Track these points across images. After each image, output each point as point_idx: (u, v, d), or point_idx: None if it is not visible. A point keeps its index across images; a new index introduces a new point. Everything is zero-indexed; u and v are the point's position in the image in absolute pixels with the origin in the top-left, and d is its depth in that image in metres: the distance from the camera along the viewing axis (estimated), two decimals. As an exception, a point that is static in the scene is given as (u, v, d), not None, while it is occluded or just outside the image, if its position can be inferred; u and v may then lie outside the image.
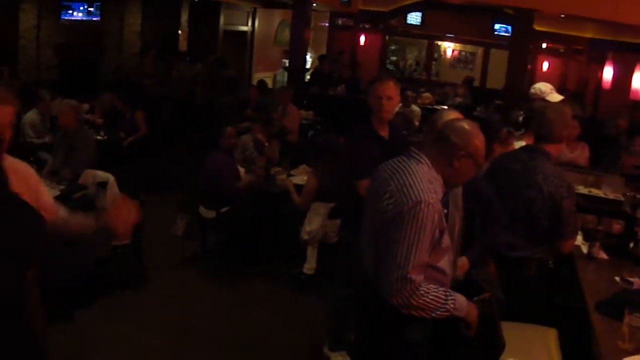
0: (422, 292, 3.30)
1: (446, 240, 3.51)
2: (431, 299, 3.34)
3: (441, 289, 3.42)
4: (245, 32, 20.52)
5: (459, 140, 3.49)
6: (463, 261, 4.47)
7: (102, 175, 7.52)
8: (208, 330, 6.29)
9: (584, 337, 4.27)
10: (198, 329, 6.31)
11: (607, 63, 12.49)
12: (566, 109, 5.07)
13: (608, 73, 12.47)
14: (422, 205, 3.30)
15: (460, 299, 3.46)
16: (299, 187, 7.43)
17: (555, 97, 6.92)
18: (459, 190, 4.08)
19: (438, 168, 3.51)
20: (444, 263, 3.57)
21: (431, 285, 3.37)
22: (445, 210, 3.67)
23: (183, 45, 18.18)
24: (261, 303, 7.03)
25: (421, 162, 3.51)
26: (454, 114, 4.32)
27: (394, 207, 3.38)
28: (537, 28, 17.17)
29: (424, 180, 3.42)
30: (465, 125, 3.60)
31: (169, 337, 6.10)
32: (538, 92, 7.00)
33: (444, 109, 4.93)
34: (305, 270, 7.32)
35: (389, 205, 3.43)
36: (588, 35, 18.70)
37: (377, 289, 3.43)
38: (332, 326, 5.87)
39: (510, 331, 4.29)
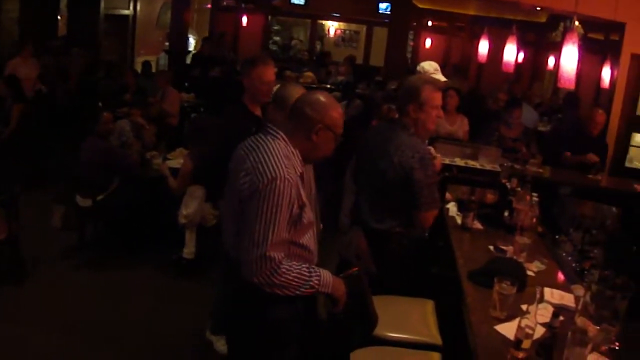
0: (283, 269, 3.22)
1: (308, 215, 3.43)
2: (294, 276, 3.26)
3: (304, 265, 3.34)
4: (127, 16, 20.09)
5: (315, 113, 3.40)
6: None
7: (-26, 168, 7.24)
8: (92, 323, 6.08)
9: (459, 307, 4.27)
10: (82, 320, 6.10)
11: (482, 37, 12.67)
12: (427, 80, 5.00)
13: (483, 47, 12.66)
14: (278, 181, 3.20)
15: (326, 274, 3.40)
16: (176, 171, 7.30)
17: (440, 78, 6.88)
18: None
19: (296, 143, 3.42)
20: (307, 239, 3.49)
21: (293, 263, 3.30)
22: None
23: (63, 30, 17.68)
24: (142, 290, 6.85)
25: (277, 138, 3.41)
26: (299, 88, 4.27)
27: (250, 185, 3.27)
28: (420, 5, 17.37)
29: (280, 156, 3.31)
30: (321, 97, 3.51)
31: (52, 332, 5.87)
32: (421, 71, 6.97)
33: (289, 83, 4.85)
34: (185, 255, 7.21)
35: (245, 183, 3.31)
36: (470, 12, 19.06)
37: (239, 269, 3.32)
38: (215, 310, 5.77)
39: (388, 304, 4.29)
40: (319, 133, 3.41)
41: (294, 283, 3.27)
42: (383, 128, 4.98)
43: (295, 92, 4.24)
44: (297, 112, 3.45)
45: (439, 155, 5.80)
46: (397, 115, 5.02)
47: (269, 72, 5.28)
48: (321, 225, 4.95)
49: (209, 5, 22.51)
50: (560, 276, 4.71)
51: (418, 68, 7.03)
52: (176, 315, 6.35)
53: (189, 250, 7.19)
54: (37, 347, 5.66)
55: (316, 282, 3.33)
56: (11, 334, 5.81)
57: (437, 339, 4.14)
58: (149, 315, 6.34)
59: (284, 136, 3.41)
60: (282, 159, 3.30)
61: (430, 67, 6.89)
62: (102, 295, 6.65)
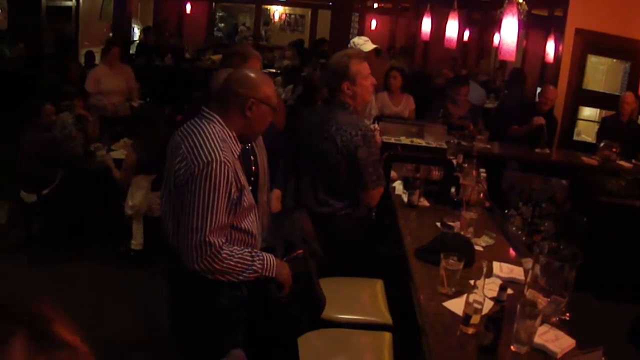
0: (224, 255, 3.17)
1: (248, 198, 3.37)
2: (236, 261, 3.21)
3: (246, 250, 3.30)
4: (69, 8, 19.76)
5: (245, 89, 3.36)
6: (276, 193, 4.40)
7: None
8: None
9: (408, 285, 4.23)
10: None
11: (425, 16, 12.71)
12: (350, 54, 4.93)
13: (426, 26, 12.71)
14: (214, 164, 3.13)
15: (269, 258, 3.36)
16: (120, 162, 7.20)
17: (369, 47, 6.94)
18: None
19: (231, 123, 3.36)
20: (249, 223, 3.43)
21: (235, 248, 3.25)
22: (253, 158, 3.52)
23: (3, 24, 17.37)
24: (92, 283, 6.76)
25: (213, 121, 3.35)
26: (227, 70, 4.20)
27: (186, 171, 3.20)
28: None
29: (216, 139, 3.25)
30: (250, 73, 3.48)
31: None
32: (353, 46, 6.99)
33: (224, 69, 4.75)
34: (132, 247, 7.15)
35: (180, 169, 3.24)
36: (414, -8, 19.09)
37: (179, 257, 3.23)
38: None
39: (337, 286, 4.28)
40: (252, 108, 3.36)
41: (236, 268, 3.22)
42: (320, 109, 4.91)
43: (224, 73, 4.18)
44: (228, 91, 3.40)
45: (378, 128, 5.78)
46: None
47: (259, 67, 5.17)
48: (280, 207, 4.95)
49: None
50: (510, 250, 4.69)
51: (349, 44, 7.11)
52: (126, 306, 6.27)
53: (136, 241, 7.13)
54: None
55: (259, 266, 3.28)
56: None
57: (387, 319, 4.13)
58: (99, 307, 6.22)
59: (219, 119, 3.35)
60: (218, 142, 3.23)
61: (359, 40, 7.14)
62: (51, 290, 6.46)
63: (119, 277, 6.93)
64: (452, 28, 11.02)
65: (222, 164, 3.15)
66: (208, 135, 3.26)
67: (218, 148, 3.20)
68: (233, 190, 3.22)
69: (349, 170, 4.62)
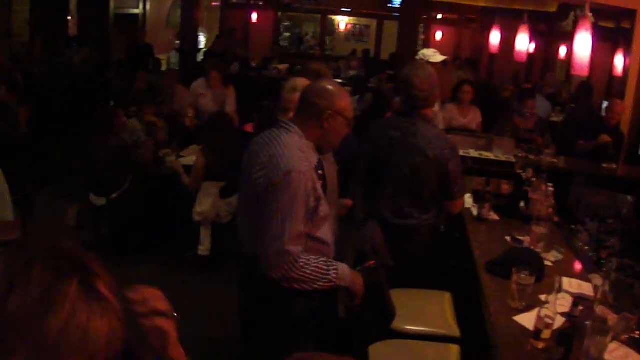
0: (301, 263, 3.22)
1: (324, 208, 3.42)
2: (312, 270, 3.26)
3: (322, 259, 3.34)
4: (136, 15, 20.10)
5: (323, 101, 3.43)
6: (345, 203, 4.49)
7: (-13, 169, 7.22)
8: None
9: (477, 298, 4.26)
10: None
11: (493, 28, 12.69)
12: (430, 72, 4.97)
13: (495, 38, 12.69)
14: (293, 174, 3.20)
15: (343, 268, 3.40)
16: (189, 169, 7.30)
17: (437, 58, 6.96)
18: None
19: (309, 134, 3.43)
20: (324, 232, 3.49)
21: (311, 256, 3.29)
22: (321, 172, 3.60)
23: (73, 30, 17.73)
24: (157, 287, 6.78)
25: (291, 132, 3.42)
26: (305, 80, 4.28)
27: (265, 179, 3.28)
28: (430, -1, 17.32)
29: (294, 149, 3.32)
30: (327, 85, 3.55)
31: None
32: (422, 57, 7.02)
33: (294, 78, 4.81)
34: (200, 252, 7.22)
35: (259, 177, 3.32)
36: (480, 4, 18.96)
37: (256, 264, 3.31)
38: None
39: (405, 297, 4.28)
40: (329, 120, 3.42)
41: (312, 277, 3.26)
42: (397, 122, 4.89)
43: (298, 82, 4.26)
44: (306, 103, 3.48)
45: None
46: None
47: None
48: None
49: (218, 3, 22.51)
50: (578, 266, 4.69)
51: (419, 55, 7.14)
52: (191, 311, 6.35)
53: (204, 247, 7.20)
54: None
55: (334, 275, 3.32)
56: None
57: (455, 331, 4.13)
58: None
59: (297, 129, 3.41)
60: (297, 151, 3.30)
61: (428, 51, 7.18)
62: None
63: (184, 282, 6.99)
64: (522, 41, 10.97)
65: (301, 174, 3.22)
66: (287, 144, 3.33)
67: (297, 158, 3.27)
68: (310, 200, 3.28)
69: (437, 182, 4.67)
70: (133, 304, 1.66)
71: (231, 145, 6.87)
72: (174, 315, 1.81)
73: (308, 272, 3.24)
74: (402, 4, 16.18)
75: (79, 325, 1.31)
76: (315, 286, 3.30)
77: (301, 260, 3.22)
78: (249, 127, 9.22)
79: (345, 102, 3.51)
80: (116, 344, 1.40)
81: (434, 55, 7.00)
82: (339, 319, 3.64)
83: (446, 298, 4.53)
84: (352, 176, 4.89)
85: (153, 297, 1.79)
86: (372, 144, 5.03)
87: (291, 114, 3.97)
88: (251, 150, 3.54)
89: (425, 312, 4.35)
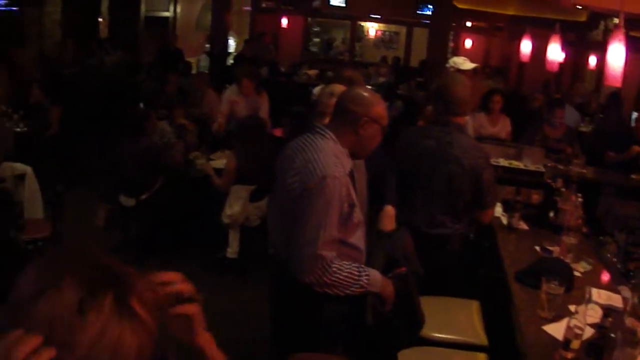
0: (334, 268, 3.25)
1: (357, 215, 3.45)
2: (344, 275, 3.28)
3: (354, 264, 3.36)
4: (167, 18, 20.23)
5: (359, 107, 3.46)
6: (389, 210, 4.48)
7: (19, 167, 7.31)
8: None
9: (506, 307, 4.27)
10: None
11: (524, 37, 12.69)
12: (466, 81, 5.00)
13: (526, 47, 12.68)
14: (328, 179, 3.24)
15: (375, 274, 3.42)
16: (218, 172, 7.35)
17: (468, 65, 6.99)
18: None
19: (344, 140, 3.46)
20: (357, 239, 3.52)
21: (344, 262, 3.31)
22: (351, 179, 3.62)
23: (104, 32, 17.89)
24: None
25: (326, 137, 3.45)
26: (341, 86, 4.31)
27: (300, 184, 3.32)
28: (460, 6, 17.28)
29: (329, 154, 3.36)
30: (363, 92, 3.59)
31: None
32: (453, 65, 7.05)
33: (328, 85, 4.85)
34: (228, 255, 7.26)
35: (294, 182, 3.36)
36: (510, 12, 18.90)
37: (287, 268, 3.35)
38: None
39: (434, 305, 4.29)
40: (365, 126, 3.45)
41: (344, 282, 3.29)
42: (431, 131, 4.89)
43: (335, 88, 4.30)
44: (342, 109, 3.52)
45: None
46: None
47: None
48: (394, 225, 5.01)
49: (249, 7, 22.62)
50: (606, 277, 4.69)
51: (449, 63, 7.16)
52: (219, 313, 6.37)
53: (232, 249, 7.24)
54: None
55: (366, 281, 3.35)
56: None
57: (483, 340, 4.14)
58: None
59: (332, 135, 3.44)
60: (332, 157, 3.33)
61: (459, 59, 7.31)
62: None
63: (212, 284, 7.00)
64: (553, 51, 10.94)
65: (336, 179, 3.25)
66: (322, 150, 3.37)
67: (332, 163, 3.30)
68: (345, 206, 3.31)
69: (471, 192, 4.70)
70: (156, 290, 1.61)
71: (263, 149, 6.91)
72: (199, 298, 1.80)
73: (340, 277, 3.27)
74: (433, 11, 16.16)
75: (109, 342, 1.30)
76: (347, 291, 3.32)
77: (334, 265, 3.25)
78: (278, 132, 9.27)
79: (381, 109, 3.54)
80: (144, 358, 1.40)
81: (464, 63, 7.03)
82: (368, 325, 3.65)
83: (474, 306, 4.54)
84: (380, 184, 4.91)
85: (176, 280, 1.76)
86: (404, 151, 5.04)
87: (328, 119, 4.02)
88: (286, 155, 3.57)
89: (454, 320, 4.37)
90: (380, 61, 19.12)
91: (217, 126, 8.58)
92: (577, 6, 13.32)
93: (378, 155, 4.28)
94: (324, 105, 4.40)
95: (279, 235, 3.53)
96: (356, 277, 3.32)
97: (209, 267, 7.35)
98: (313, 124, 3.61)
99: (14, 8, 14.72)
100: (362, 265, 3.44)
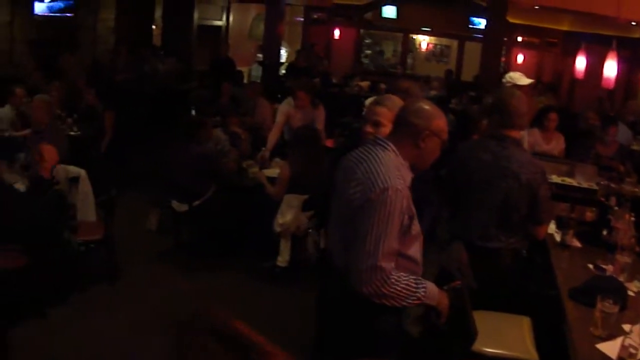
0: (392, 280, 3.26)
1: (416, 226, 3.47)
2: (402, 287, 3.29)
3: (411, 277, 3.37)
4: (219, 27, 20.42)
5: (420, 121, 3.47)
6: None
7: (73, 170, 7.45)
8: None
9: (557, 324, 4.27)
10: (173, 321, 6.19)
11: (579, 53, 12.60)
12: (523, 96, 5.00)
13: (581, 64, 12.61)
14: (390, 191, 3.25)
15: (431, 287, 3.44)
16: (271, 181, 7.45)
17: (525, 81, 6.98)
18: None
19: (404, 152, 3.48)
20: (415, 251, 3.53)
21: (402, 274, 3.33)
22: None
23: (157, 40, 18.12)
24: (234, 296, 6.94)
25: (387, 149, 3.47)
26: (397, 98, 4.33)
27: (362, 195, 3.34)
28: (512, 20, 17.20)
29: (390, 166, 3.37)
30: (424, 105, 3.58)
31: (143, 333, 6.02)
32: (509, 80, 7.04)
33: (387, 94, 4.85)
34: (278, 263, 7.32)
35: (356, 193, 3.38)
36: (564, 27, 18.79)
37: (345, 279, 3.39)
38: None
39: (485, 320, 4.28)
40: (426, 140, 3.47)
41: (402, 294, 3.30)
42: (492, 145, 4.88)
43: (395, 100, 4.32)
44: (403, 121, 3.53)
45: None
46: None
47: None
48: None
49: (301, 18, 22.76)
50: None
51: (505, 78, 7.14)
52: (267, 323, 6.40)
53: (282, 258, 7.31)
54: (121, 345, 5.83)
55: (423, 293, 3.36)
56: (100, 331, 6.01)
57: (534, 356, 4.14)
58: (241, 320, 6.38)
59: (393, 147, 3.47)
60: (393, 169, 3.36)
61: (515, 74, 7.22)
62: (194, 298, 6.73)
63: (261, 292, 7.11)
64: (610, 68, 10.87)
65: (398, 191, 3.27)
66: (383, 162, 3.39)
67: (393, 175, 3.32)
68: (405, 218, 3.33)
69: (527, 207, 4.70)
70: None
71: (316, 160, 6.98)
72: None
73: (399, 289, 3.28)
74: (486, 25, 16.12)
75: None
76: (404, 303, 3.34)
77: (393, 277, 3.26)
78: (330, 143, 9.32)
79: (442, 122, 3.55)
80: None
81: (520, 78, 7.02)
82: (413, 337, 3.68)
83: (525, 322, 4.53)
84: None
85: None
86: (461, 165, 5.05)
87: (382, 129, 4.06)
88: (347, 165, 3.60)
89: (505, 335, 4.36)
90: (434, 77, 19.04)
91: (261, 158, 8.53)
92: (632, 22, 13.24)
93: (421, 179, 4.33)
94: (371, 113, 4.42)
95: (338, 245, 3.56)
96: (414, 289, 3.33)
97: (258, 275, 7.44)
98: (375, 136, 3.64)
99: (69, 14, 14.95)
100: (420, 278, 3.45)
